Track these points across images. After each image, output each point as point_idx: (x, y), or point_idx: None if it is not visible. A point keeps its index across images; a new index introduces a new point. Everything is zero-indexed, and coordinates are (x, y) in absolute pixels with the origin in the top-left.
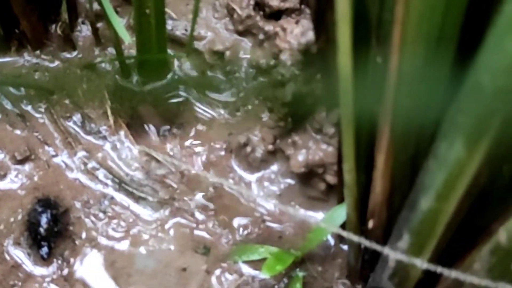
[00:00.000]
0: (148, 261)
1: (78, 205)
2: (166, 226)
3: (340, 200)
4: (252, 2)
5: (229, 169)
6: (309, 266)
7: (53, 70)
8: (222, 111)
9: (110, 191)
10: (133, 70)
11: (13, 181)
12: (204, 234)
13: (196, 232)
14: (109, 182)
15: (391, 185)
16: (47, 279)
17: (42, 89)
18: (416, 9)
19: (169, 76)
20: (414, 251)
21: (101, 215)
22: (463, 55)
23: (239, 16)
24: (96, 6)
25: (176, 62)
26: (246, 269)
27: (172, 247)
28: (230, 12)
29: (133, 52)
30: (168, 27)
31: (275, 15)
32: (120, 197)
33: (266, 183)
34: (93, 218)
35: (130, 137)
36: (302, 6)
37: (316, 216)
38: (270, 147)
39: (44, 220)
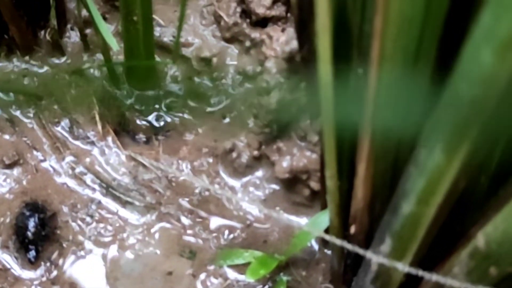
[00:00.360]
0: (135, 265)
1: (65, 209)
2: (153, 231)
3: (324, 206)
4: (239, 10)
5: (215, 174)
6: (293, 271)
7: (42, 75)
8: (208, 117)
9: (97, 195)
10: (121, 76)
11: (1, 185)
12: (190, 238)
13: (182, 236)
14: (96, 186)
15: (372, 191)
16: (35, 282)
17: (31, 95)
18: (394, 22)
19: (156, 82)
20: (396, 255)
21: (88, 219)
22: (442, 66)
23: (226, 24)
24: (84, 12)
25: (163, 68)
26: (231, 273)
27: (158, 251)
28: (217, 19)
29: (122, 58)
30: (156, 33)
31: (262, 22)
32: (107, 201)
33: (251, 189)
34: (80, 222)
35: (118, 142)
36: (288, 14)
37: (300, 221)
38: (256, 153)
39: (31, 224)
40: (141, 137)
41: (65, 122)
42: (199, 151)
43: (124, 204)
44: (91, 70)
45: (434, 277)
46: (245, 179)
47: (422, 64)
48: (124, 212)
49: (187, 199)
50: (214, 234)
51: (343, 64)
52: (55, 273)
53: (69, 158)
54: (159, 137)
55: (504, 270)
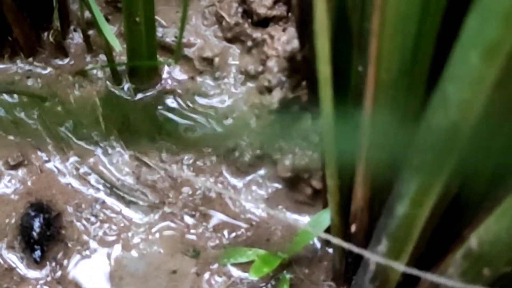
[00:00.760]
0: (139, 264)
1: (70, 209)
2: (157, 230)
3: (326, 204)
4: (240, 10)
5: (217, 173)
6: (296, 269)
7: (45, 76)
8: (211, 117)
9: (101, 195)
10: (124, 76)
11: (7, 186)
12: (193, 237)
13: (185, 235)
14: (100, 186)
15: (371, 190)
16: (41, 282)
17: (35, 96)
18: (391, 20)
19: (159, 83)
20: (393, 255)
21: (92, 219)
22: (439, 66)
23: (227, 24)
24: (87, 14)
25: (166, 69)
26: (235, 272)
27: (162, 250)
28: (219, 19)
29: (124, 59)
30: (158, 34)
31: (263, 22)
32: (111, 201)
33: (254, 187)
34: (85, 222)
35: (121, 142)
36: (289, 14)
37: (303, 219)
38: (258, 152)
39: (37, 224)
40: (144, 137)
41: (68, 123)
42: (202, 150)
43: (128, 203)
44: (94, 71)
45: (429, 277)
46: (247, 178)
47: (419, 63)
48: (128, 212)
49: (190, 198)
50: (218, 233)
51: (344, 62)
52: (60, 272)
53: (73, 159)
54: (162, 136)
55: (497, 271)
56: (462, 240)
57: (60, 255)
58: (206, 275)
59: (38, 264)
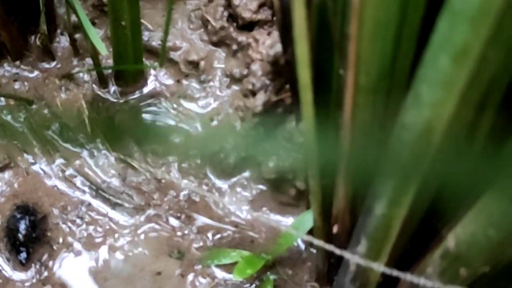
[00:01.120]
0: (124, 266)
1: (56, 211)
2: (142, 232)
3: (309, 205)
4: (226, 14)
5: (202, 175)
6: (280, 270)
7: (32, 80)
8: (196, 120)
9: (87, 197)
10: (110, 80)
11: None
12: (178, 239)
13: (170, 237)
14: (86, 189)
15: (352, 192)
16: (26, 284)
17: (22, 99)
18: (368, 26)
19: (145, 86)
20: (372, 256)
21: (78, 221)
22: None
23: (213, 27)
24: (74, 18)
25: (152, 72)
26: (219, 273)
27: (147, 252)
28: (205, 23)
29: (111, 62)
30: (144, 38)
31: (248, 26)
32: (97, 203)
33: (238, 189)
34: (70, 224)
35: (107, 145)
36: (274, 18)
37: (287, 221)
38: (242, 154)
39: (22, 226)
40: (130, 139)
41: (55, 126)
42: (187, 152)
43: (114, 206)
44: (81, 74)
45: (408, 277)
46: (232, 180)
47: (399, 67)
48: (113, 214)
49: (175, 200)
50: (202, 235)
51: (325, 66)
52: (45, 274)
53: (59, 161)
54: (147, 139)
55: (475, 271)
56: (440, 239)
57: (45, 257)
58: (191, 277)
59: (23, 266)
